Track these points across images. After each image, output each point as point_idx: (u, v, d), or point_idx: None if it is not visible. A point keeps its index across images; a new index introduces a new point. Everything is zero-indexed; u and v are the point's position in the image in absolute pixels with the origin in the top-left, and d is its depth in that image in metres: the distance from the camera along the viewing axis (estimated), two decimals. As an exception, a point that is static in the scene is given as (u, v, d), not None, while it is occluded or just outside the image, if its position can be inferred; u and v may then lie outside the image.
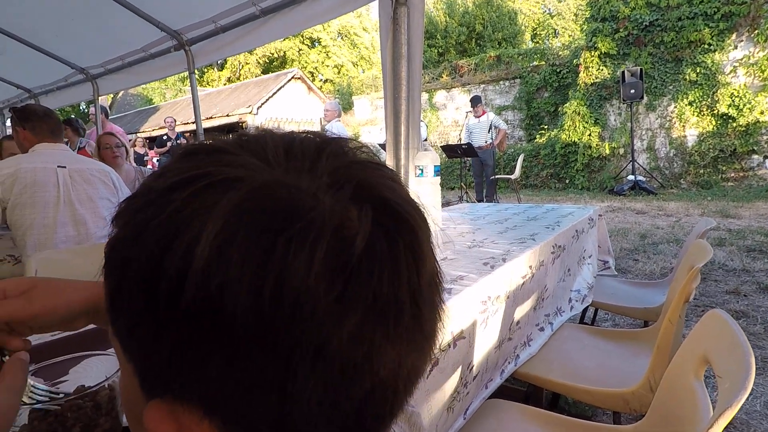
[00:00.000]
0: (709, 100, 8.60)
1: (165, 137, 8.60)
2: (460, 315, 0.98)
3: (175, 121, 8.90)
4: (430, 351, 0.27)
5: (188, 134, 9.12)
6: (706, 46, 8.58)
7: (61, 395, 0.41)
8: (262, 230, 0.21)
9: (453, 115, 13.73)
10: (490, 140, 7.31)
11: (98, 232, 2.05)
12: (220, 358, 0.22)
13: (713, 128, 8.63)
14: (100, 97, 5.07)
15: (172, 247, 0.22)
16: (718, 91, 8.48)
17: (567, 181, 10.52)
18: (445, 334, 0.92)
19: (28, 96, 5.93)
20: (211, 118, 15.80)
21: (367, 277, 0.22)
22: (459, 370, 0.97)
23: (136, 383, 0.26)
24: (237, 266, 0.21)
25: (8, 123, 7.90)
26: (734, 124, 8.39)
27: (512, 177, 7.78)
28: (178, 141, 8.39)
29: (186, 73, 4.04)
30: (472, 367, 1.06)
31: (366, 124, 15.89)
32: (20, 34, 4.22)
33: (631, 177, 8.65)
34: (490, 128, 7.30)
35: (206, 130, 6.05)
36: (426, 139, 8.52)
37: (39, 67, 4.90)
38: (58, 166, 1.98)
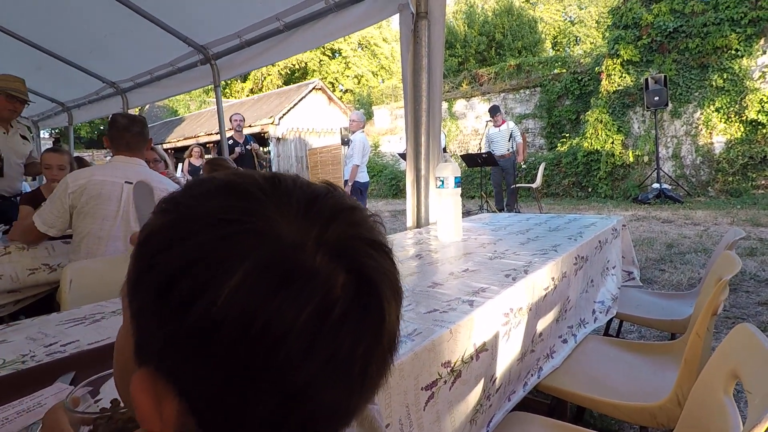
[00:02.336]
0: (737, 106, 8.39)
1: (231, 141, 6.35)
2: (482, 327, 0.98)
3: (244, 119, 6.80)
4: (371, 397, 0.32)
5: (254, 146, 6.66)
6: (732, 52, 8.39)
7: (122, 405, 0.44)
8: (270, 286, 0.26)
9: (473, 123, 13.70)
10: (511, 149, 7.27)
11: None
12: (200, 361, 0.27)
13: (742, 135, 8.41)
14: (129, 110, 5.25)
15: (192, 274, 0.27)
16: (747, 97, 8.26)
17: (590, 190, 10.36)
18: (468, 346, 0.93)
19: (61, 109, 6.16)
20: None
21: (332, 338, 0.27)
22: (482, 382, 0.97)
23: (132, 346, 0.31)
24: (240, 306, 0.26)
25: (43, 135, 8.22)
26: (764, 131, 8.15)
27: (533, 186, 7.71)
28: (248, 147, 6.47)
29: (210, 86, 4.17)
30: (495, 380, 1.05)
31: (386, 134, 15.98)
32: (57, 51, 4.40)
33: (656, 185, 8.46)
34: (511, 137, 7.27)
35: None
36: (445, 149, 8.52)
37: (72, 82, 5.10)
38: (125, 182, 2.02)
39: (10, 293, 2.30)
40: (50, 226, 2.00)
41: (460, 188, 1.93)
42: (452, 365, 0.86)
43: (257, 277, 0.26)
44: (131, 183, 2.03)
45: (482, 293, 1.07)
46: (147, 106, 23.39)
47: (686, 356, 1.14)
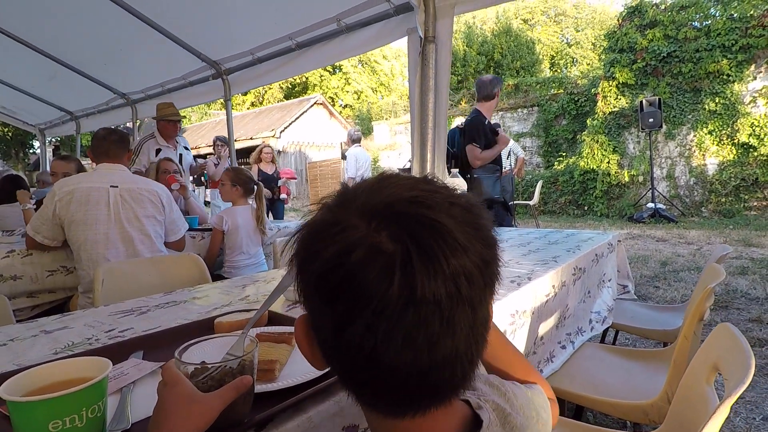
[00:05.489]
0: (729, 129, 8.62)
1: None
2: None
3: None
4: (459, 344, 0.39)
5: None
6: (724, 77, 8.65)
7: (227, 362, 0.55)
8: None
9: (471, 141, 13.90)
10: (509, 166, 7.43)
11: (144, 250, 2.15)
12: (315, 301, 0.41)
13: (734, 157, 8.63)
14: (137, 120, 5.38)
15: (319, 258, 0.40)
16: (738, 121, 8.50)
17: (585, 208, 10.53)
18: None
19: (69, 118, 6.27)
20: (235, 140, 16.24)
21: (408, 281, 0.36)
22: (491, 374, 1.07)
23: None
24: (370, 279, 0.36)
25: (49, 140, 8.31)
26: (755, 154, 8.37)
27: (530, 203, 7.85)
28: None
29: (214, 100, 4.31)
30: (502, 374, 1.16)
31: (385, 149, 16.17)
32: (70, 62, 4.54)
33: (650, 205, 8.63)
34: (509, 154, 7.43)
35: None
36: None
37: (82, 92, 5.21)
38: (111, 186, 2.12)
39: (29, 297, 2.38)
40: (36, 231, 2.09)
41: (465, 202, 2.04)
42: (467, 356, 0.96)
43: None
44: (116, 187, 2.14)
45: (491, 295, 1.18)
46: (146, 118, 23.54)
47: (675, 357, 1.25)
